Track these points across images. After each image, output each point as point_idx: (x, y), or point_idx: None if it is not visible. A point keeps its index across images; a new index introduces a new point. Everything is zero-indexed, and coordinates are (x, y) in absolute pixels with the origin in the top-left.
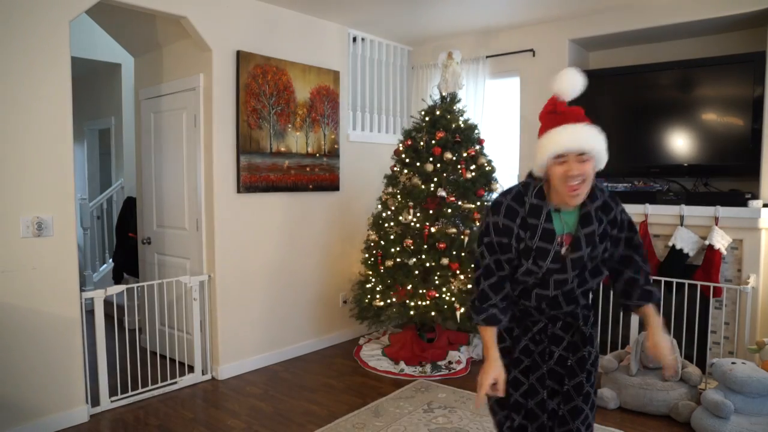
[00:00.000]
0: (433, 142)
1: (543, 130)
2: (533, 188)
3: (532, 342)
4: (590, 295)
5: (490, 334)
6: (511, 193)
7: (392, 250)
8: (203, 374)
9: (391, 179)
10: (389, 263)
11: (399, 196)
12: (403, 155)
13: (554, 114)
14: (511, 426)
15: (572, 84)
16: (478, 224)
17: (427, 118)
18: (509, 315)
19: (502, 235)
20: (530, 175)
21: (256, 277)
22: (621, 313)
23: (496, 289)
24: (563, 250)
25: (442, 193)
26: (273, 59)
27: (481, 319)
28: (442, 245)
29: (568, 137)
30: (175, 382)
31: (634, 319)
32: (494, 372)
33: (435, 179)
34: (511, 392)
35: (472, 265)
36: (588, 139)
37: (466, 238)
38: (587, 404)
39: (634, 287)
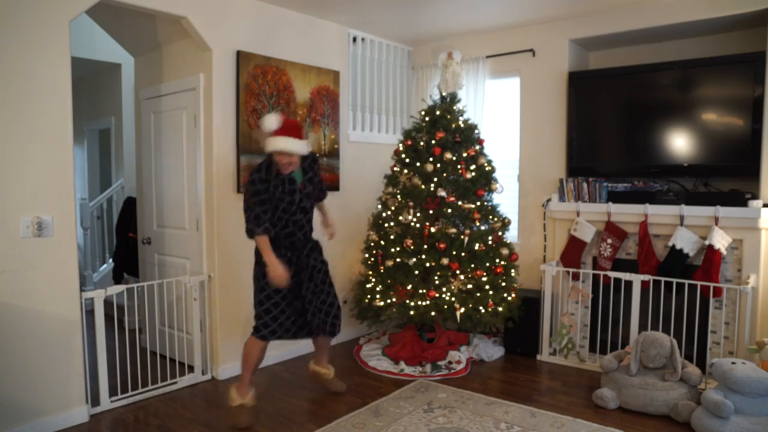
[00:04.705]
0: (433, 142)
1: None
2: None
3: (300, 258)
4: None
5: (267, 241)
6: (260, 171)
7: (392, 250)
8: (203, 374)
9: (391, 179)
10: (389, 263)
11: (399, 196)
12: (403, 155)
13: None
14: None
15: (271, 124)
16: (477, 224)
17: (427, 118)
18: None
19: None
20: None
21: None
22: (620, 316)
23: (264, 218)
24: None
25: (442, 193)
26: (273, 59)
27: (262, 230)
28: (442, 245)
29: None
30: (175, 382)
31: (634, 320)
32: (282, 268)
33: (435, 179)
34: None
35: (244, 211)
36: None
37: (466, 238)
38: (328, 278)
39: (321, 196)
